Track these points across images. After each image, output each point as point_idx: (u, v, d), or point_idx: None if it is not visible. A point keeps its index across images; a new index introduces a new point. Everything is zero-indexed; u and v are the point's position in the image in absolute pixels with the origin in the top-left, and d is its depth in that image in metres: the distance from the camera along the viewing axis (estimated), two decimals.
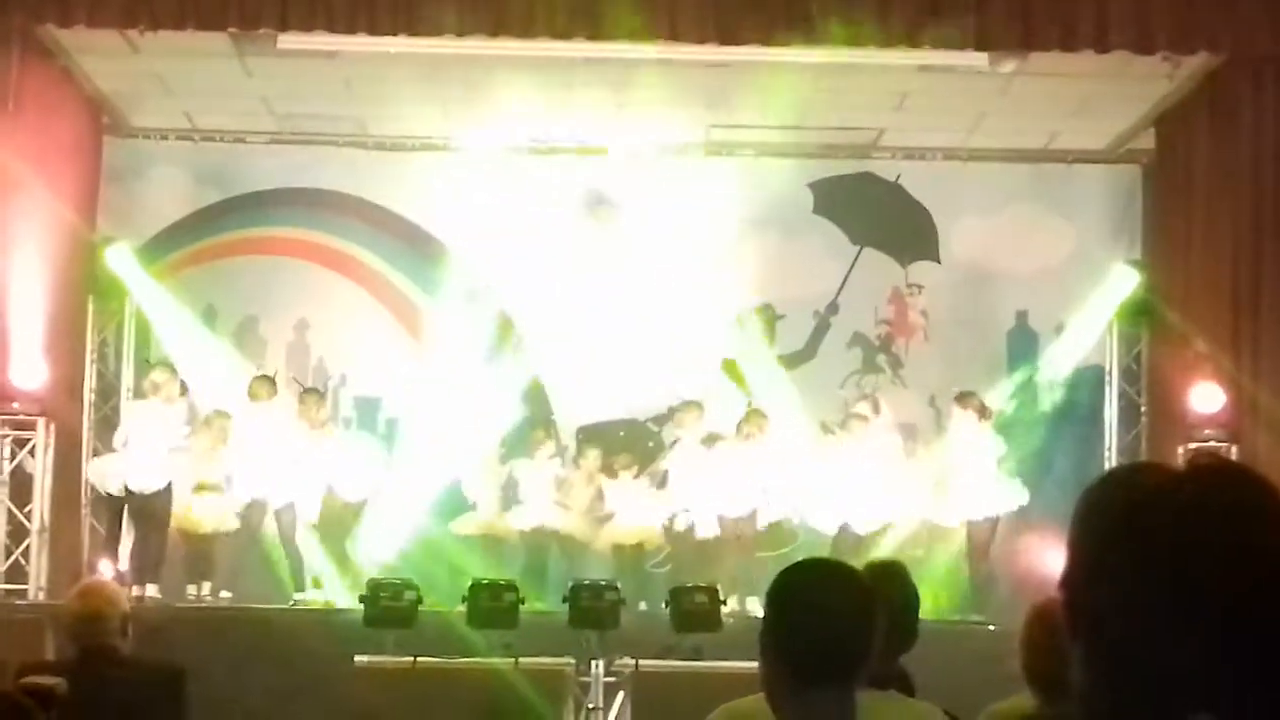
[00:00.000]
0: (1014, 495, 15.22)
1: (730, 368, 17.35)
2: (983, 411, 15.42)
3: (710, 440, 15.74)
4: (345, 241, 17.61)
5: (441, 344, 17.23)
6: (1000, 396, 16.66)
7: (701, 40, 13.78)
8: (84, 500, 15.66)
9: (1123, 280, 16.64)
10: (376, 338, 17.50)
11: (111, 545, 15.06)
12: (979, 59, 14.51)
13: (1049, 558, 13.84)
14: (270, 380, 15.88)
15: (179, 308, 16.87)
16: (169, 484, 14.74)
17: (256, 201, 17.58)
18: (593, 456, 16.36)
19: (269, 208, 17.61)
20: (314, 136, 17.32)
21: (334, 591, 15.18)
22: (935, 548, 15.55)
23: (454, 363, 16.98)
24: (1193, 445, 14.63)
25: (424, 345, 17.39)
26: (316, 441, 15.34)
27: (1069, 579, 1.90)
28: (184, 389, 15.40)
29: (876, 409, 15.85)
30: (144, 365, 16.29)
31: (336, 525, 15.58)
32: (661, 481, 15.90)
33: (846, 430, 15.67)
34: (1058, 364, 17.15)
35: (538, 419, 17.20)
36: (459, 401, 16.64)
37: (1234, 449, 14.51)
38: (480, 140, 17.10)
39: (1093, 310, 16.86)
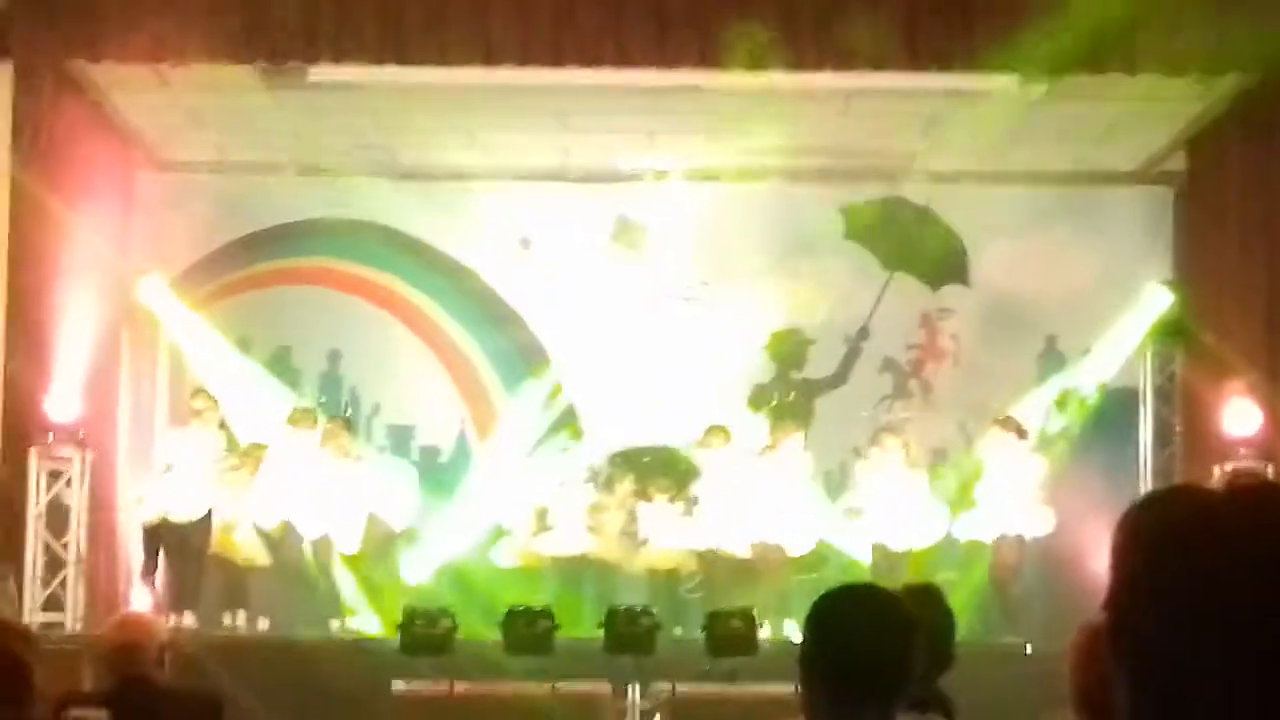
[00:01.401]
0: (1044, 519, 15.18)
1: (770, 388, 17.41)
2: (1021, 434, 15.42)
3: (743, 449, 15.74)
4: (377, 270, 17.67)
5: (474, 373, 17.28)
6: (1032, 417, 16.62)
7: (732, 67, 13.81)
8: (119, 531, 15.71)
9: (1155, 300, 16.61)
10: (410, 366, 17.55)
11: (148, 575, 15.10)
12: (1009, 82, 14.53)
13: (1083, 579, 13.82)
14: (310, 412, 15.93)
15: (213, 338, 16.94)
16: (209, 512, 14.80)
17: (287, 233, 17.65)
18: (627, 481, 16.38)
19: (300, 239, 17.68)
20: (344, 167, 17.38)
21: (372, 620, 15.20)
22: (968, 570, 15.52)
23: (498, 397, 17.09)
24: (1228, 466, 14.59)
25: (455, 373, 17.43)
26: (349, 470, 15.37)
27: (1113, 601, 1.91)
28: (225, 416, 15.48)
29: (903, 440, 15.78)
30: (181, 394, 16.34)
31: (373, 553, 15.60)
32: (692, 507, 15.87)
33: (880, 450, 15.64)
34: (1089, 384, 17.11)
35: (571, 445, 17.23)
36: (502, 430, 16.71)
37: (1270, 468, 14.47)
38: (509, 169, 17.16)
39: (1124, 330, 16.83)
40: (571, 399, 17.51)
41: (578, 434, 17.13)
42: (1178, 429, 16.79)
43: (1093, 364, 17.12)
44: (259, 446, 15.56)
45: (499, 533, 16.23)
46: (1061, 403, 17.12)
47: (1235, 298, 15.50)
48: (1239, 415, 15.07)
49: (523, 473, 16.57)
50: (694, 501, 15.93)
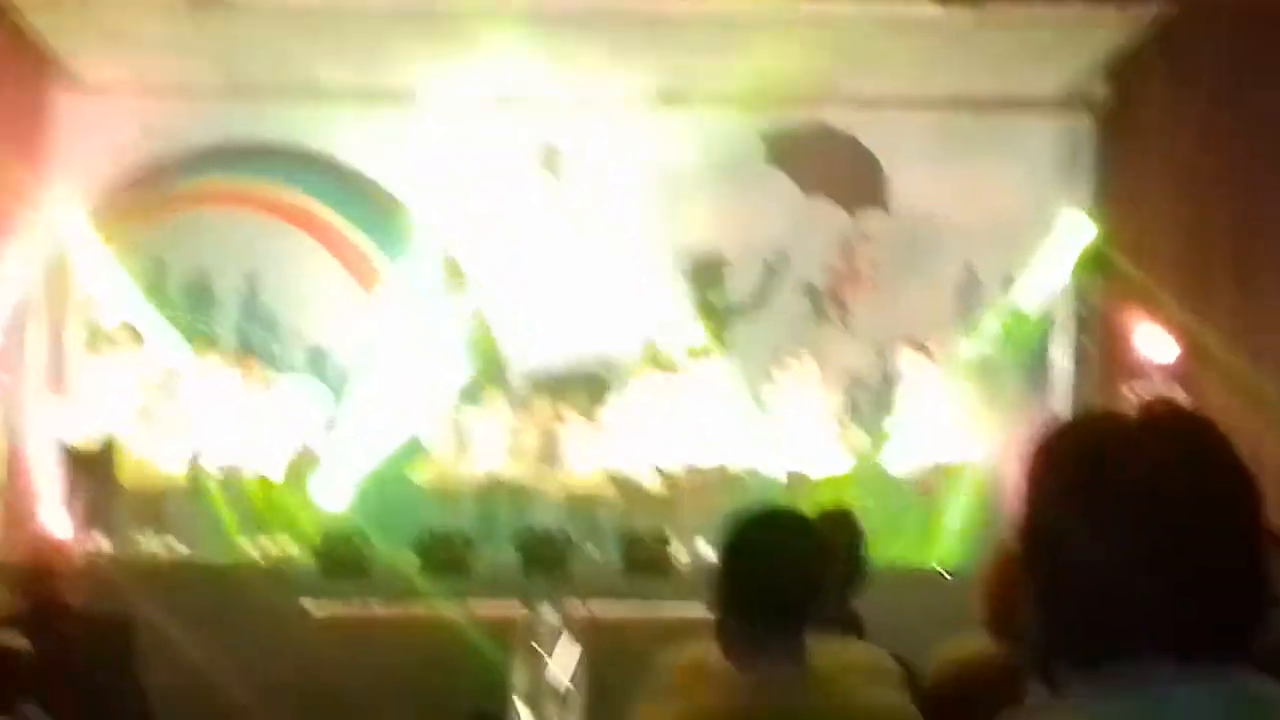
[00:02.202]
0: (966, 444, 15.29)
1: (690, 311, 17.39)
2: (932, 357, 15.49)
3: (661, 372, 15.73)
4: (297, 193, 17.52)
5: (393, 293, 17.18)
6: (949, 346, 16.71)
7: None
8: (33, 456, 15.58)
9: (1074, 229, 16.68)
10: (328, 289, 17.44)
11: (63, 499, 15.00)
12: (931, 7, 14.52)
13: (1001, 504, 13.94)
14: (212, 339, 15.84)
15: (130, 262, 16.77)
16: (120, 437, 14.69)
17: (206, 155, 17.45)
18: (544, 403, 16.38)
19: (220, 161, 17.48)
20: (264, 90, 17.19)
21: (289, 543, 15.17)
22: (887, 495, 15.62)
23: (405, 311, 16.95)
24: (1141, 393, 14.71)
25: (375, 294, 17.34)
26: (263, 396, 15.31)
27: (1027, 525, 1.92)
28: (139, 341, 15.36)
29: (816, 359, 15.85)
30: (96, 320, 16.20)
31: (289, 475, 15.56)
32: (611, 428, 15.88)
33: (788, 374, 15.70)
34: (1007, 313, 17.20)
35: (489, 367, 17.21)
36: (411, 349, 16.62)
37: (1183, 396, 14.59)
38: (431, 93, 17.04)
39: (1043, 259, 16.90)
40: (490, 320, 17.46)
41: (495, 362, 17.03)
42: (1095, 356, 16.91)
43: (1013, 294, 17.19)
44: (173, 372, 15.45)
45: (416, 452, 16.18)
46: (978, 333, 17.19)
47: (1153, 225, 15.59)
48: (1154, 342, 15.20)
49: (445, 394, 16.49)
50: (611, 424, 15.94)
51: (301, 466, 15.75)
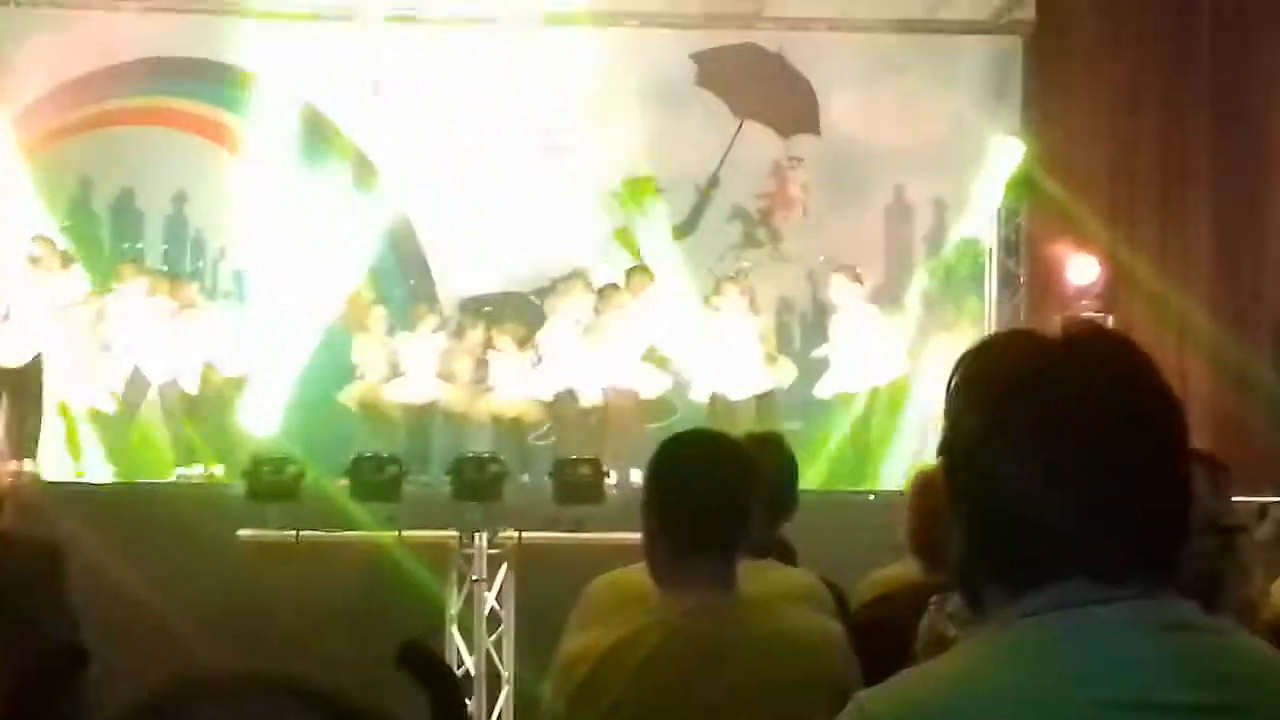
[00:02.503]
0: (893, 366, 15.33)
1: (622, 235, 17.33)
2: (862, 282, 15.51)
3: (591, 296, 15.69)
4: (224, 111, 17.33)
5: (312, 205, 16.99)
6: (880, 270, 16.76)
7: None
8: None
9: (1004, 152, 16.71)
10: (253, 210, 17.27)
11: None
12: None
13: (930, 429, 14.01)
14: (137, 262, 15.71)
15: (54, 179, 16.58)
16: (39, 356, 14.53)
17: (133, 70, 17.25)
18: (477, 329, 16.32)
19: (145, 77, 17.28)
20: (192, 4, 17.01)
21: (218, 467, 15.10)
22: (818, 420, 15.67)
23: (321, 219, 16.81)
24: (1067, 315, 14.79)
25: (298, 209, 17.14)
26: (189, 318, 15.21)
27: (950, 446, 1.92)
28: (66, 261, 15.20)
29: (747, 291, 15.81)
30: (20, 237, 16.01)
31: (217, 399, 15.49)
32: (542, 354, 15.84)
33: (720, 299, 15.69)
34: (937, 235, 17.25)
35: (420, 292, 17.13)
36: (327, 260, 16.52)
37: (1110, 319, 14.68)
38: (360, 8, 16.90)
39: (972, 182, 16.93)
40: (422, 247, 17.39)
41: (432, 305, 16.88)
42: (1022, 280, 16.98)
43: (943, 217, 17.23)
44: (99, 294, 15.32)
45: (348, 375, 16.10)
46: (907, 256, 17.22)
47: (1081, 150, 15.66)
48: (1081, 267, 15.28)
49: (377, 318, 16.38)
50: (542, 349, 15.89)
51: (229, 390, 15.66)
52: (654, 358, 15.41)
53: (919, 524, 4.66)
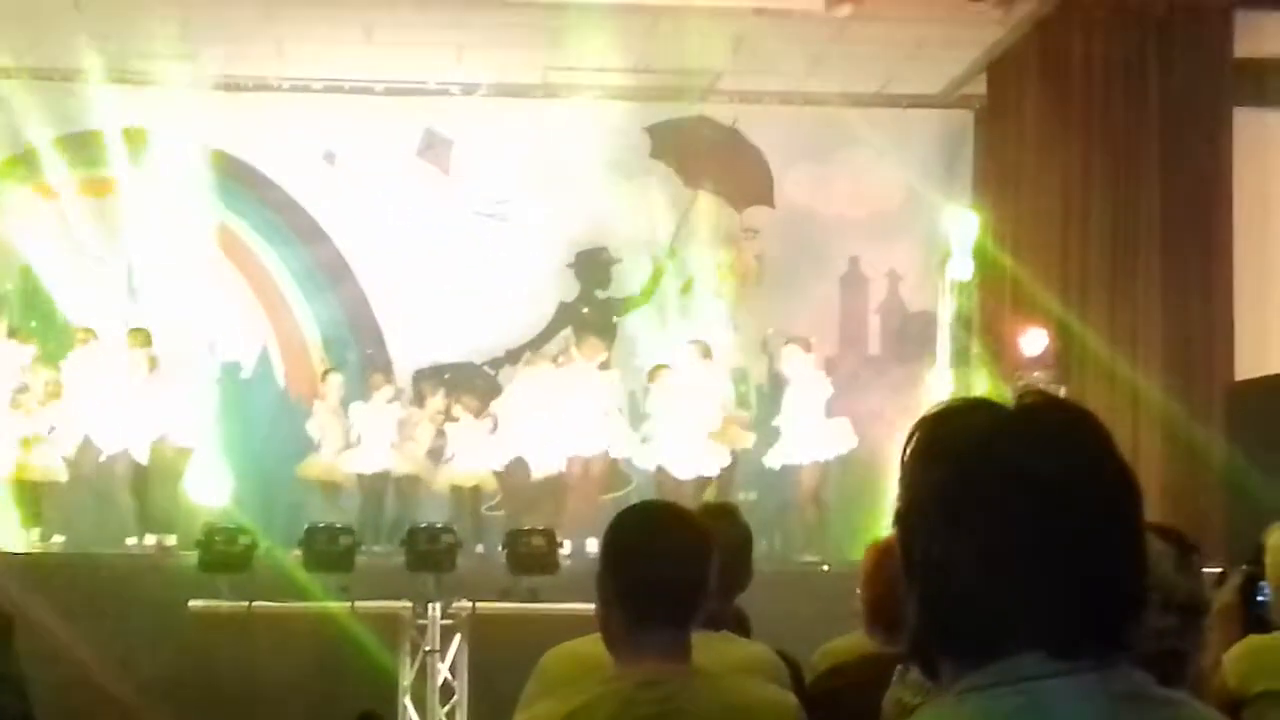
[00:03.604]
0: (844, 438, 15.34)
1: (578, 305, 17.38)
2: (808, 347, 15.50)
3: (547, 367, 15.67)
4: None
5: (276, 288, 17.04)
6: (832, 340, 16.81)
7: None
8: None
9: (955, 224, 16.80)
10: (211, 280, 17.23)
11: None
12: (815, 3, 14.60)
13: (882, 500, 14.02)
14: (90, 330, 15.64)
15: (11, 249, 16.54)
16: None
17: (89, 142, 17.24)
18: (438, 397, 16.30)
19: (102, 149, 17.27)
20: (148, 76, 17.01)
21: (170, 538, 15.01)
22: (768, 491, 15.67)
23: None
24: (1019, 385, 14.83)
25: (256, 287, 17.16)
26: (144, 386, 15.14)
27: (904, 517, 1.92)
28: (12, 331, 15.14)
29: (708, 354, 15.83)
30: None
31: (169, 470, 15.39)
32: (497, 423, 15.80)
33: (680, 372, 15.68)
34: (888, 307, 17.31)
35: (376, 362, 17.11)
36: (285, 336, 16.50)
37: (1061, 390, 14.74)
38: (315, 80, 16.94)
39: (924, 253, 17.01)
40: (377, 317, 17.38)
41: (388, 375, 16.85)
42: (974, 351, 17.04)
43: (895, 288, 17.31)
44: (55, 369, 15.24)
45: (305, 448, 16.05)
46: (858, 328, 17.26)
47: (1030, 222, 15.78)
48: (1032, 337, 15.36)
49: (332, 388, 16.35)
50: (497, 419, 15.86)
51: (182, 462, 15.58)
52: (605, 428, 15.35)
53: (875, 594, 4.67)
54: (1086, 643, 1.83)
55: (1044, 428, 1.88)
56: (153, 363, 15.43)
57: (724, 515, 4.87)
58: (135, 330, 15.82)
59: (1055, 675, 1.81)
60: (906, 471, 1.92)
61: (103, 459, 14.94)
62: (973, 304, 17.09)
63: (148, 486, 15.16)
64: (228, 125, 17.24)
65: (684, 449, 15.10)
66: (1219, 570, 5.12)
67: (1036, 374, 15.07)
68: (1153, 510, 1.99)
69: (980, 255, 16.58)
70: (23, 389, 14.98)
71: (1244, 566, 5.12)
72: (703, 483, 15.02)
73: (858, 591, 4.94)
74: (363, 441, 15.75)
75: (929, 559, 1.87)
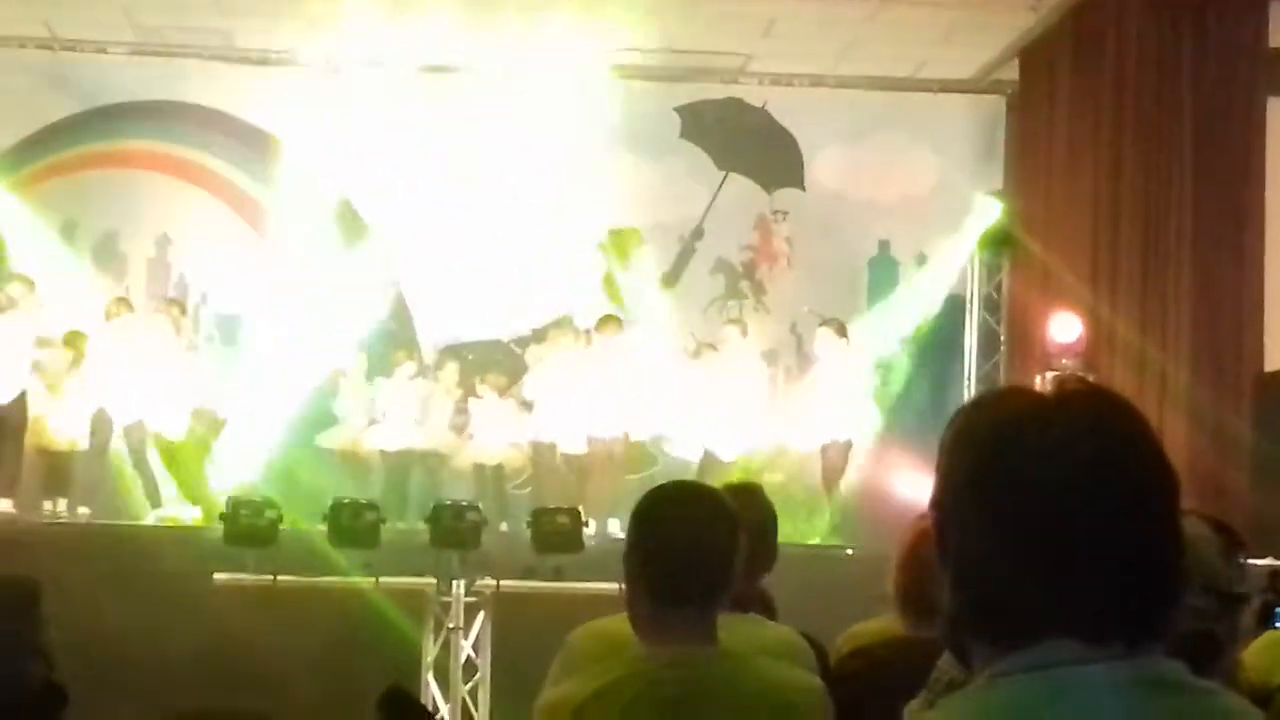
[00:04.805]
0: (869, 419, 15.32)
1: (608, 283, 17.33)
2: (842, 331, 15.49)
3: (574, 346, 15.64)
4: (207, 156, 17.37)
5: (297, 255, 16.99)
6: (862, 324, 16.77)
7: None
8: None
9: (985, 210, 16.76)
10: (238, 254, 17.29)
11: None
12: None
13: (909, 483, 14.00)
14: (125, 300, 15.64)
15: (37, 221, 16.55)
16: (22, 395, 14.49)
17: (117, 114, 17.30)
18: (451, 370, 16.31)
19: (130, 120, 17.32)
20: (176, 49, 17.04)
21: (195, 510, 15.04)
22: (796, 473, 15.65)
23: (309, 272, 16.78)
24: (1050, 374, 14.80)
25: (281, 257, 17.15)
26: (178, 357, 15.16)
27: (940, 503, 1.92)
28: (36, 299, 15.17)
29: (744, 332, 15.85)
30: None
31: (197, 443, 15.43)
32: (525, 403, 15.80)
33: (715, 351, 15.68)
34: (919, 292, 17.27)
35: (400, 338, 17.12)
36: (315, 311, 16.47)
37: (1091, 377, 14.69)
38: (347, 58, 16.92)
39: (955, 239, 16.98)
40: (401, 290, 17.38)
41: (413, 351, 16.85)
42: (1003, 338, 17.03)
43: (925, 274, 17.27)
44: (78, 334, 15.26)
45: (328, 421, 16.09)
46: (890, 311, 17.22)
47: (1061, 208, 15.73)
48: (1062, 325, 15.32)
49: (356, 363, 16.38)
50: (523, 396, 15.86)
51: (211, 435, 15.62)
52: (631, 407, 15.32)
53: (909, 578, 4.65)
54: (1119, 630, 1.83)
55: (1077, 414, 1.88)
56: (184, 335, 15.46)
57: (747, 494, 4.85)
58: (171, 301, 15.87)
59: (1086, 662, 1.81)
60: (942, 457, 1.92)
61: (124, 429, 14.95)
62: (1002, 292, 17.06)
63: (176, 457, 15.19)
64: (257, 99, 17.25)
65: (725, 430, 15.08)
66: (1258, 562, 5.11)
67: (1065, 360, 15.04)
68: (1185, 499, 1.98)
69: (1009, 240, 16.55)
70: (48, 351, 14.99)
71: (1262, 594, 5.10)
72: (734, 463, 14.99)
73: (890, 575, 4.92)
74: (386, 417, 15.79)
75: (962, 545, 1.87)
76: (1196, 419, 14.88)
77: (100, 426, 14.90)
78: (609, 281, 17.38)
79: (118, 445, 15.01)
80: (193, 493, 15.07)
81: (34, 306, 14.91)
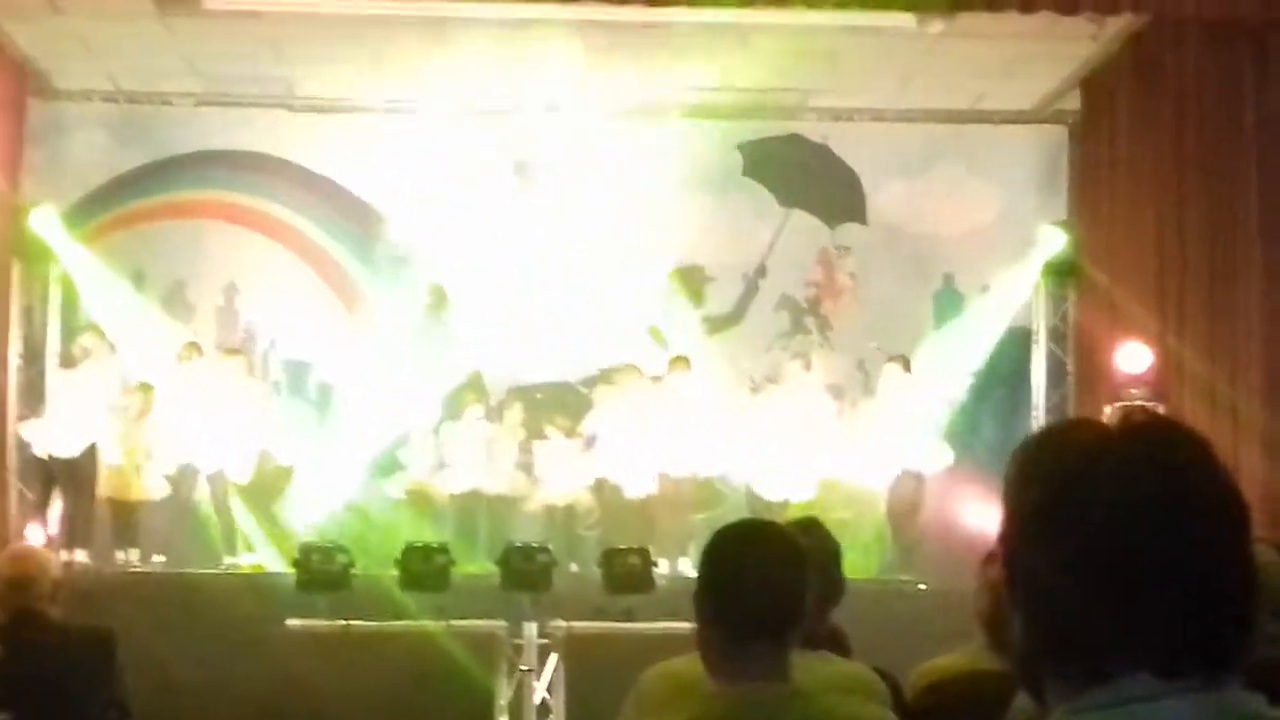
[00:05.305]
0: (940, 454, 15.27)
1: (654, 333, 17.33)
2: (908, 367, 15.47)
3: (641, 385, 15.66)
4: (272, 204, 17.48)
5: (373, 310, 17.15)
6: (928, 358, 16.72)
7: (629, 1, 13.78)
8: (11, 466, 15.53)
9: (1049, 240, 16.69)
10: (305, 301, 17.39)
11: (41, 510, 14.94)
12: (907, 20, 14.57)
13: (978, 516, 13.94)
14: (196, 345, 15.76)
15: (106, 272, 16.69)
16: (93, 447, 14.62)
17: (182, 164, 17.43)
18: (515, 410, 16.34)
19: (195, 170, 17.46)
20: (239, 98, 17.17)
21: (265, 556, 15.13)
22: (863, 510, 15.59)
23: (386, 329, 16.89)
24: (1119, 405, 14.71)
25: (354, 310, 17.31)
26: (244, 404, 15.25)
27: (1007, 538, 1.91)
28: (112, 351, 15.30)
29: (808, 367, 15.85)
30: (71, 330, 16.13)
31: (267, 488, 15.51)
32: (590, 443, 15.82)
33: (776, 386, 15.67)
34: (985, 325, 17.20)
35: (468, 381, 17.16)
36: (394, 367, 16.54)
37: (1160, 408, 14.60)
38: (408, 103, 17.02)
39: (1019, 270, 16.91)
40: (469, 335, 17.43)
41: (481, 394, 16.90)
42: (1070, 369, 16.93)
43: (990, 306, 17.19)
44: (146, 386, 15.37)
45: (395, 467, 16.15)
46: (957, 344, 17.16)
47: (1126, 238, 15.64)
48: (1130, 355, 15.23)
49: (428, 412, 16.44)
50: (591, 437, 15.87)
51: (282, 480, 15.71)
52: (700, 446, 15.32)
53: (989, 610, 4.60)
54: (1194, 662, 1.81)
55: (1146, 446, 1.87)
56: (252, 381, 15.56)
57: (809, 529, 4.85)
58: (233, 350, 15.98)
59: (1163, 696, 1.80)
60: (1009, 491, 1.91)
61: (202, 477, 15.06)
62: (1068, 323, 16.97)
63: (248, 504, 15.28)
64: (322, 147, 17.37)
65: (789, 465, 15.05)
66: None
67: (1134, 391, 14.94)
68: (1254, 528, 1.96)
69: (1075, 271, 16.47)
70: (121, 402, 15.11)
71: None
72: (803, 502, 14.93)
73: (974, 605, 4.87)
74: (453, 460, 15.83)
75: (1032, 580, 1.86)
76: (1269, 448, 14.74)
77: (184, 476, 15.01)
78: (655, 334, 17.33)
79: (198, 494, 15.10)
80: (273, 538, 15.15)
81: (106, 356, 15.05)
